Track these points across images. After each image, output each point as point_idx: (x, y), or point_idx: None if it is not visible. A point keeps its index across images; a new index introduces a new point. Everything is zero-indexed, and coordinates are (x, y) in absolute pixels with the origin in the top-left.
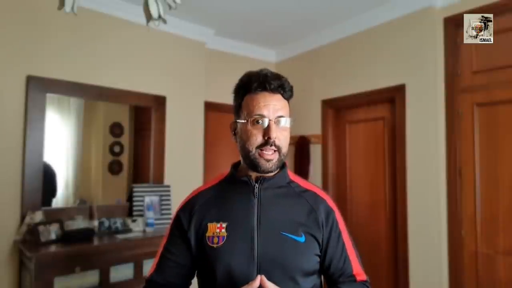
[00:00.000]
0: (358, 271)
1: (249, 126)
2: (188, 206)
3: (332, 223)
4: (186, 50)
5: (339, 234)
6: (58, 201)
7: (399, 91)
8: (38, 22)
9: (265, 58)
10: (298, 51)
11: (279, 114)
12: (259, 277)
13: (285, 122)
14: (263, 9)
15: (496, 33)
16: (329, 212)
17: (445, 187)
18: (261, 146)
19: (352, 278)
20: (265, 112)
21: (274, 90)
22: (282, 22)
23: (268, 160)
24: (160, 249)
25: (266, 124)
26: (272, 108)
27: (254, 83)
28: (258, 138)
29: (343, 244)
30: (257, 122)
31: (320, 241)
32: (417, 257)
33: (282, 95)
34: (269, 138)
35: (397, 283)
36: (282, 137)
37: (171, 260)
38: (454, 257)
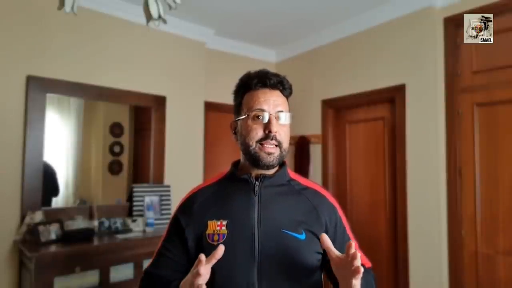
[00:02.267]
0: (364, 260)
1: (250, 121)
2: (188, 203)
3: (336, 220)
4: (186, 50)
5: (344, 230)
6: (58, 201)
7: (399, 91)
8: (38, 22)
9: (265, 58)
10: (298, 51)
11: (279, 109)
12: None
13: (285, 118)
14: (263, 9)
15: (496, 33)
16: (331, 209)
17: (445, 187)
18: (261, 140)
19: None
20: (265, 107)
21: (273, 86)
22: (282, 22)
23: (269, 154)
24: (158, 246)
25: (266, 119)
26: (272, 103)
27: (254, 80)
28: (258, 133)
29: (349, 239)
30: (258, 117)
31: None
32: (417, 257)
33: (282, 91)
34: (269, 131)
35: (397, 283)
36: (282, 132)
37: (167, 257)
38: (454, 257)
